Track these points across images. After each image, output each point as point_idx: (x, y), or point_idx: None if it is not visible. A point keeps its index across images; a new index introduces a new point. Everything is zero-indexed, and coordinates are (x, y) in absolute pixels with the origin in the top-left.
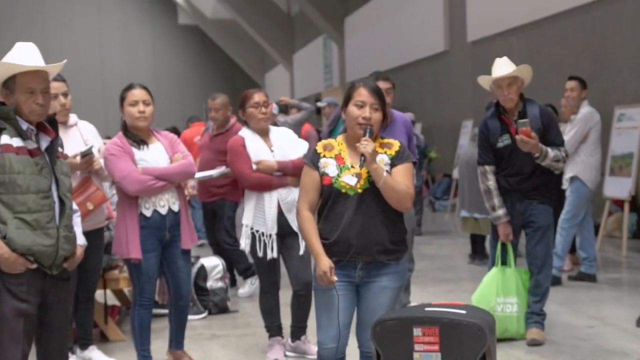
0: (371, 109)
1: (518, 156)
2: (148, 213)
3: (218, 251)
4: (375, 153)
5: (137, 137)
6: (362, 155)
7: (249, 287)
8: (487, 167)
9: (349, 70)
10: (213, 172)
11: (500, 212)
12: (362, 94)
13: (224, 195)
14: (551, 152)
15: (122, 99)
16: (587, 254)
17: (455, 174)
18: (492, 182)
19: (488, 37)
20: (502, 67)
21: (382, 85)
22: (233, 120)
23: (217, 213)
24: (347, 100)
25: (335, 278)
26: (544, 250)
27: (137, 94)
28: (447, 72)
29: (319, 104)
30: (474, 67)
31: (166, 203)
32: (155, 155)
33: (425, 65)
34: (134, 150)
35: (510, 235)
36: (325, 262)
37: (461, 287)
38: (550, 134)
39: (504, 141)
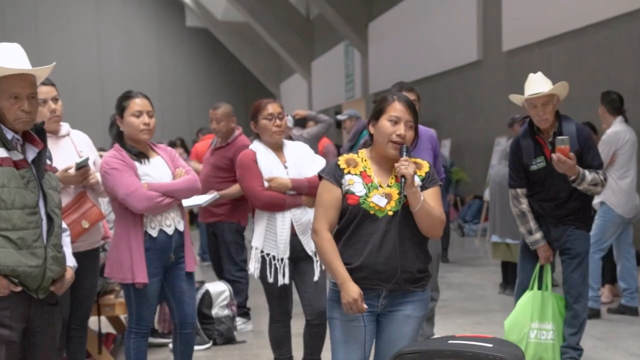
0: (406, 127)
1: (553, 180)
2: (154, 233)
3: (221, 275)
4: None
5: (136, 150)
6: (403, 177)
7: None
8: (519, 190)
9: (372, 80)
10: (201, 200)
11: (538, 235)
12: (398, 109)
13: (222, 216)
14: (589, 175)
15: (122, 108)
16: (628, 285)
17: (486, 195)
18: (525, 205)
19: (525, 47)
20: (537, 84)
21: None
22: (238, 132)
23: (218, 237)
24: (379, 113)
25: (365, 306)
26: (581, 278)
27: (141, 103)
28: (479, 83)
29: (339, 117)
30: (509, 79)
31: (172, 222)
32: (159, 171)
33: (456, 76)
34: (136, 164)
35: (551, 257)
36: (354, 289)
37: (491, 319)
38: (587, 156)
39: (537, 164)
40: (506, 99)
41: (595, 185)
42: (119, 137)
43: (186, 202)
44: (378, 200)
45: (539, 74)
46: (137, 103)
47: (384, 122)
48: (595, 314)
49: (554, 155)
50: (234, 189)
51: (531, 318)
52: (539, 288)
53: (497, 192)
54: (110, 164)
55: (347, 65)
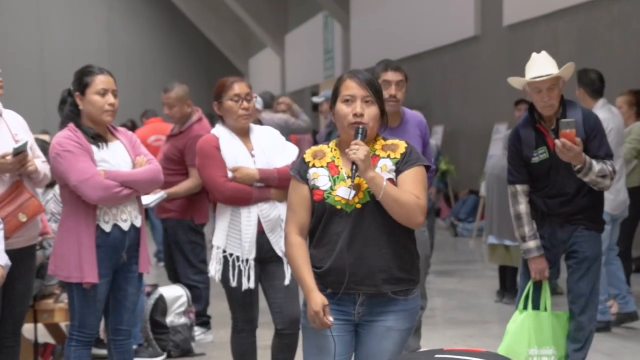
0: (363, 103)
1: (558, 173)
2: (107, 228)
3: (176, 279)
4: (369, 159)
5: (93, 132)
6: (353, 163)
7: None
8: (519, 187)
9: (354, 56)
10: (146, 201)
11: (532, 243)
12: (350, 86)
13: (174, 212)
14: (596, 165)
15: (84, 85)
16: (618, 290)
17: (483, 190)
18: (523, 206)
19: (529, 21)
20: (542, 65)
21: (392, 76)
22: (195, 117)
23: (170, 235)
24: (335, 97)
25: (330, 319)
26: (589, 286)
27: (106, 81)
28: (477, 62)
29: (315, 99)
30: (510, 57)
31: (129, 217)
32: (118, 157)
33: (450, 54)
34: (93, 148)
35: (546, 272)
36: (317, 300)
37: (486, 331)
38: (592, 144)
39: (539, 155)
40: (507, 80)
41: (604, 177)
42: (73, 116)
43: None
44: (343, 192)
45: (543, 53)
46: (102, 80)
47: (339, 105)
48: (604, 327)
49: (557, 141)
50: (184, 186)
51: (529, 344)
52: (535, 307)
53: (495, 187)
54: (64, 145)
55: (326, 40)
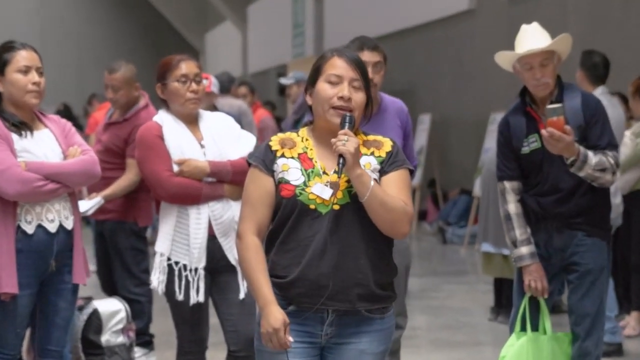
0: (351, 87)
1: (553, 166)
2: (30, 229)
3: (111, 291)
4: (359, 153)
5: (16, 119)
6: (341, 156)
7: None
8: (507, 184)
9: (328, 32)
10: (85, 207)
11: (524, 249)
12: (338, 65)
13: (113, 213)
14: (593, 157)
15: (3, 63)
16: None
17: (477, 189)
18: (512, 205)
19: None
20: (533, 37)
21: (368, 57)
22: (142, 103)
23: (107, 240)
24: (315, 76)
25: (290, 339)
26: (595, 305)
27: (29, 57)
28: (472, 41)
29: (283, 81)
30: (510, 35)
31: (56, 216)
32: (44, 147)
33: (441, 31)
34: (14, 137)
35: (544, 281)
36: (277, 316)
37: (478, 354)
38: (593, 132)
39: (530, 144)
40: (494, 57)
41: (603, 170)
42: None
43: None
44: (320, 190)
45: (534, 24)
46: (24, 56)
47: (322, 85)
48: (615, 351)
49: (544, 131)
50: (120, 185)
51: None
52: (533, 329)
53: (491, 185)
54: None
55: (295, 12)
